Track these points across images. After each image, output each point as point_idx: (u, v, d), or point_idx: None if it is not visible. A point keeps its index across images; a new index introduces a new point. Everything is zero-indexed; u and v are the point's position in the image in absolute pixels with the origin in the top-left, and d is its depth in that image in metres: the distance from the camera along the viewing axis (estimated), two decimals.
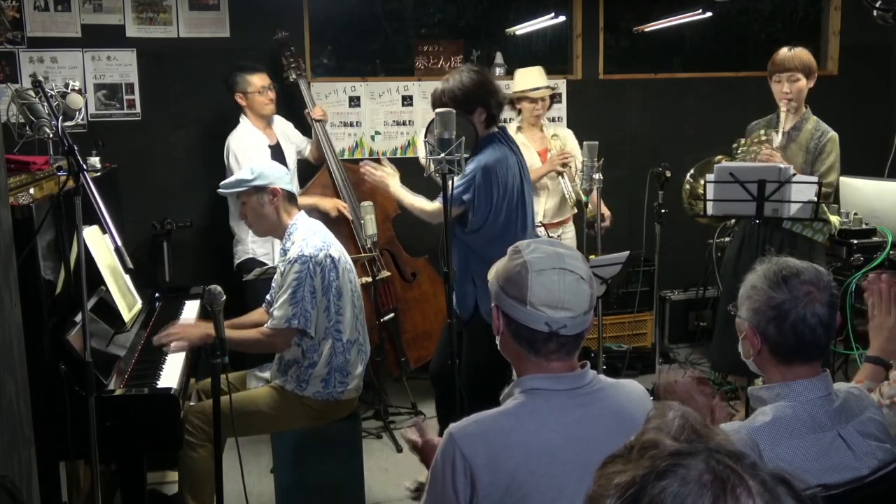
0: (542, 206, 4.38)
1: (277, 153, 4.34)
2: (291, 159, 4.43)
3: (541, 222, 4.26)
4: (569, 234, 4.50)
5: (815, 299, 1.70)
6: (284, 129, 4.50)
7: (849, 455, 1.66)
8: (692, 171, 4.01)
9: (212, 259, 4.67)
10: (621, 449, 0.90)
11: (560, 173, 4.29)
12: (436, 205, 3.21)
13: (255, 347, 3.10)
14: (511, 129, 4.51)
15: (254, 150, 4.22)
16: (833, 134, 3.73)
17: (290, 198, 3.12)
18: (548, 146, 4.42)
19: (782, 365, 1.75)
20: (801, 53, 3.72)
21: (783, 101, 3.72)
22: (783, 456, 1.63)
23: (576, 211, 4.41)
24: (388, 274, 4.40)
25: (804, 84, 3.72)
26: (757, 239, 3.69)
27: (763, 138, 3.78)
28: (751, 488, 0.80)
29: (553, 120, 5.05)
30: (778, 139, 3.72)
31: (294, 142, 4.52)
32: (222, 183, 3.17)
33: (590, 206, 4.21)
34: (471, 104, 3.14)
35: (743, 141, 3.88)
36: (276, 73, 4.46)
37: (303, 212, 3.17)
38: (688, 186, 4.00)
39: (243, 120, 4.33)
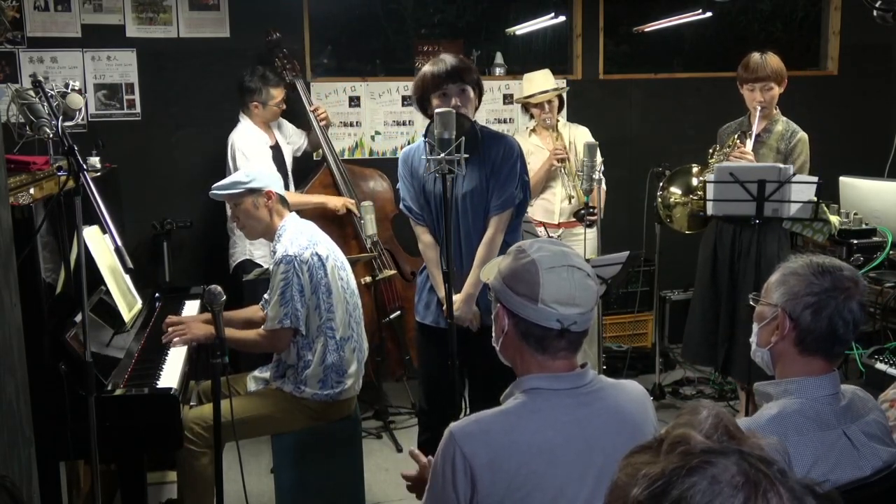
0: (557, 206, 4.37)
1: (277, 153, 4.39)
2: (289, 160, 4.48)
3: (540, 222, 4.24)
4: (584, 234, 4.39)
5: (853, 296, 1.69)
6: (282, 129, 4.52)
7: (853, 454, 1.65)
8: (662, 182, 4.02)
9: (212, 259, 4.67)
10: (650, 441, 0.89)
11: (559, 166, 4.26)
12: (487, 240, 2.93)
13: (254, 348, 3.13)
14: (524, 132, 4.51)
15: (259, 148, 4.25)
16: (803, 134, 3.76)
17: (282, 201, 3.14)
18: None
19: (803, 355, 1.72)
20: (773, 61, 3.72)
21: (756, 108, 3.73)
22: (790, 451, 1.62)
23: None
24: (393, 272, 4.39)
25: (777, 92, 3.74)
26: (730, 238, 3.72)
27: (737, 143, 3.80)
28: (781, 494, 0.80)
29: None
30: (750, 144, 3.73)
31: (291, 140, 4.55)
32: (215, 185, 3.11)
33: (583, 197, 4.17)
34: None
35: (718, 147, 3.89)
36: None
37: (293, 213, 3.18)
38: (659, 199, 4.00)
39: (244, 119, 4.33)
